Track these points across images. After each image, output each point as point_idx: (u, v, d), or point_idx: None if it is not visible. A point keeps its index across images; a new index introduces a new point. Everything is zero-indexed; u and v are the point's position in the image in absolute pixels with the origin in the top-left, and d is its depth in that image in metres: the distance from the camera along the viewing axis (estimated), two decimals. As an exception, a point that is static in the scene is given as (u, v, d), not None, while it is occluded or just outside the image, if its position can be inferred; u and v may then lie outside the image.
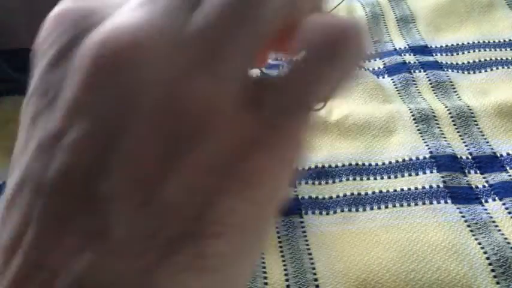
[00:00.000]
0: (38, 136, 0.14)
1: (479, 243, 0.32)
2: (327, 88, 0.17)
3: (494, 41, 0.50)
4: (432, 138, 0.40)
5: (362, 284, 0.31)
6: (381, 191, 0.36)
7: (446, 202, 0.35)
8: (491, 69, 0.47)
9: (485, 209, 0.35)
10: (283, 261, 0.32)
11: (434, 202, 0.35)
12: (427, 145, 0.39)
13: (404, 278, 0.31)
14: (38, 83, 0.14)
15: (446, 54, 0.50)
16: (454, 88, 0.45)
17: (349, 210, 0.35)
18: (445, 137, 0.40)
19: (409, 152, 0.39)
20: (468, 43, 0.50)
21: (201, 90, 0.14)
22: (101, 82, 0.13)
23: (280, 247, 0.33)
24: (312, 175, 0.38)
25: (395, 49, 0.51)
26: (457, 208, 0.35)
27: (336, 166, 0.38)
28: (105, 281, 0.13)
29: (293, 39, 0.17)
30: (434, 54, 0.49)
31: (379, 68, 0.48)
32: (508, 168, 0.38)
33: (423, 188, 0.36)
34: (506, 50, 0.49)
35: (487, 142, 0.40)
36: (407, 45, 0.51)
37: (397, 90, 0.45)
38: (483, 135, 0.40)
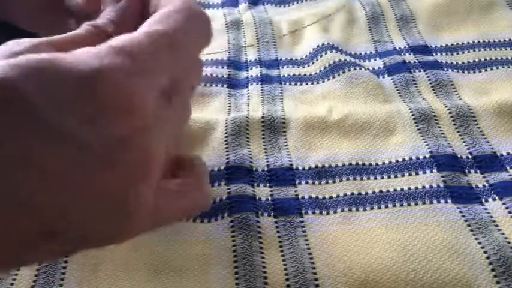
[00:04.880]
0: None
1: (480, 243, 0.32)
2: None
3: (494, 41, 0.50)
4: (432, 138, 0.40)
5: (362, 284, 0.31)
6: (381, 191, 0.36)
7: (446, 202, 0.35)
8: (492, 69, 0.47)
9: (486, 209, 0.35)
10: (283, 261, 0.32)
11: (435, 202, 0.35)
12: (427, 145, 0.39)
13: (404, 277, 0.31)
14: None
15: (447, 54, 0.50)
16: (454, 88, 0.45)
17: (349, 210, 0.35)
18: (445, 137, 0.40)
19: (409, 152, 0.39)
20: (468, 43, 0.50)
21: None
22: None
23: (280, 247, 0.33)
24: (312, 175, 0.38)
25: (395, 49, 0.51)
26: (457, 208, 0.35)
27: (336, 166, 0.38)
28: None
29: None
30: (434, 54, 0.49)
31: (379, 67, 0.48)
32: (508, 167, 0.38)
33: (423, 187, 0.36)
34: (506, 49, 0.49)
35: (487, 142, 0.40)
36: (407, 45, 0.51)
37: (397, 90, 0.45)
38: (483, 135, 0.40)
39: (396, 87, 0.46)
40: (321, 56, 0.49)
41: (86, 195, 0.20)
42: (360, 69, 0.47)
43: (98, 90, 0.19)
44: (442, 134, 0.41)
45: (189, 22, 0.24)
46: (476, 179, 0.37)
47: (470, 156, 0.39)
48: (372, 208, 0.35)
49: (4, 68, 0.19)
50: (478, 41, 0.50)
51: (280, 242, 0.33)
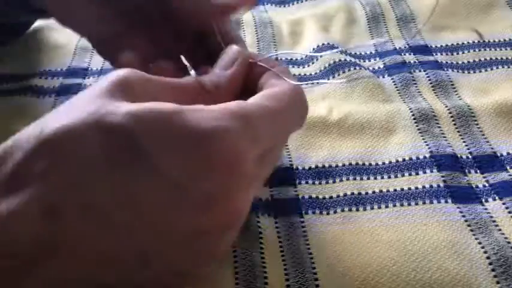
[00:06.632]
0: None
1: (480, 243, 0.32)
2: None
3: (494, 41, 0.50)
4: (432, 138, 0.40)
5: (362, 284, 0.31)
6: (381, 191, 0.36)
7: (446, 202, 0.35)
8: (491, 69, 0.47)
9: (486, 209, 0.35)
10: (283, 261, 0.32)
11: (435, 202, 0.35)
12: (427, 145, 0.39)
13: (404, 277, 0.31)
14: None
15: (447, 54, 0.50)
16: (454, 88, 0.45)
17: (350, 210, 0.35)
18: (445, 137, 0.40)
19: (409, 152, 0.39)
20: (468, 43, 0.50)
21: None
22: None
23: (280, 247, 0.33)
24: (312, 175, 0.38)
25: (395, 49, 0.51)
26: (457, 207, 0.35)
27: (336, 166, 0.38)
28: None
29: None
30: (434, 54, 0.49)
31: (379, 67, 0.48)
32: (508, 167, 0.38)
33: (423, 187, 0.36)
34: (506, 49, 0.49)
35: (487, 141, 0.40)
36: (408, 44, 0.51)
37: (397, 90, 0.45)
38: (483, 135, 0.40)
39: (396, 87, 0.46)
40: (321, 56, 0.49)
41: (179, 234, 0.23)
42: (360, 69, 0.47)
43: (211, 149, 0.22)
44: (442, 134, 0.41)
45: (291, 105, 0.27)
46: (476, 179, 0.37)
47: (470, 156, 0.39)
48: (372, 208, 0.35)
49: (126, 116, 0.21)
50: (478, 41, 0.50)
51: (280, 242, 0.33)
